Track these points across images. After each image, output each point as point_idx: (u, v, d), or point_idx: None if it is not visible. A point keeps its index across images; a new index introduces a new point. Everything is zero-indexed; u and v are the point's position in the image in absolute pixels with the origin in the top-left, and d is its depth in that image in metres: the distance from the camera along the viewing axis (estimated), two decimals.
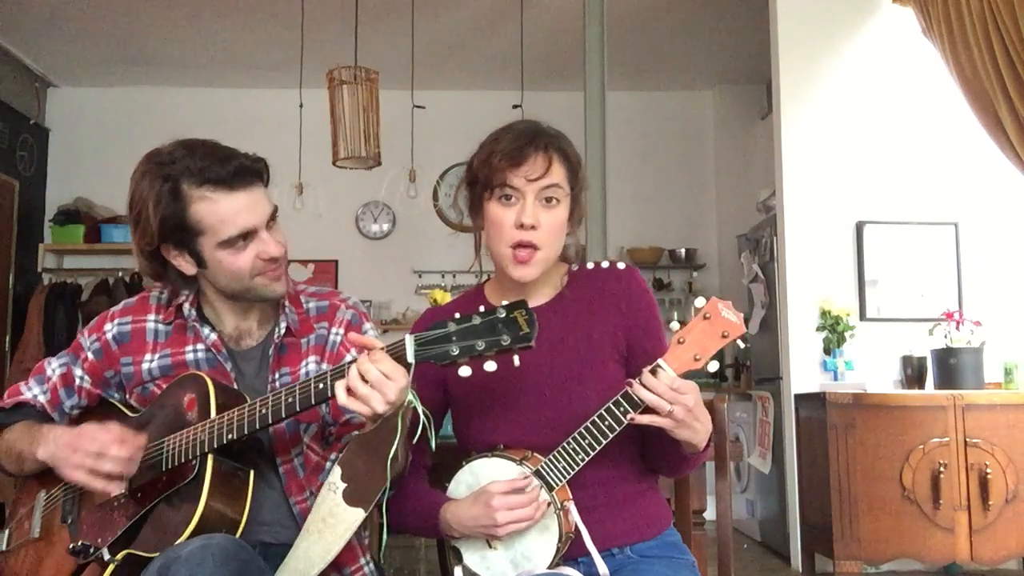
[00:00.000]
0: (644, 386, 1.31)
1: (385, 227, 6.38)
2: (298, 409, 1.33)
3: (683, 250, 6.28)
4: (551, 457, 1.38)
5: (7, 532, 1.59)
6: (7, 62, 5.73)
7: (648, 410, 1.33)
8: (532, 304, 1.49)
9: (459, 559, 1.45)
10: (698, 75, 6.29)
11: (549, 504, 1.37)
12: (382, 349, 1.27)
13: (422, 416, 1.30)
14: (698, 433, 1.36)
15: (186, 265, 1.49)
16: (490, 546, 1.42)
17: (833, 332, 4.22)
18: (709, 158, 6.50)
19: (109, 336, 1.56)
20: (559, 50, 5.50)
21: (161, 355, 1.53)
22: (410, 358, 1.24)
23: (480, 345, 1.20)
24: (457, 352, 1.21)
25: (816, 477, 3.92)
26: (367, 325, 1.60)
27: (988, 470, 3.67)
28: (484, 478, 1.41)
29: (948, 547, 3.68)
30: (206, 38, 5.54)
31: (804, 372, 4.25)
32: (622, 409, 1.34)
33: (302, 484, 1.50)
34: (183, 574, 1.18)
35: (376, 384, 1.24)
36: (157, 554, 1.27)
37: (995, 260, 4.38)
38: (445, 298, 3.45)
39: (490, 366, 1.21)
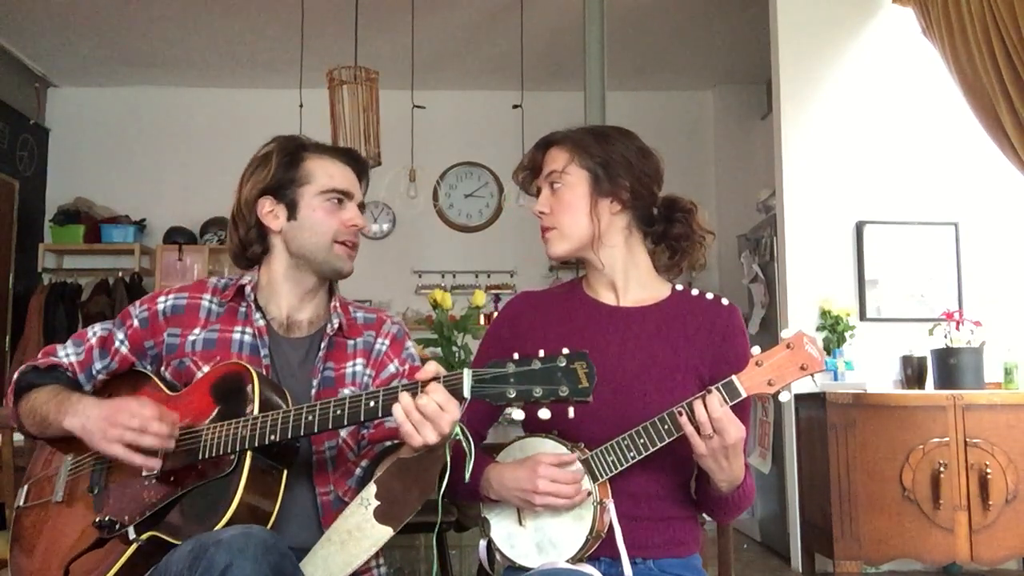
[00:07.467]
0: (704, 405, 1.34)
1: (385, 227, 6.38)
2: (345, 423, 1.34)
3: None
4: (602, 449, 1.41)
5: (25, 488, 1.60)
6: (7, 62, 5.73)
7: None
8: (626, 304, 1.57)
9: (487, 532, 1.47)
10: (698, 75, 6.29)
11: (589, 494, 1.39)
12: (438, 379, 1.26)
13: (469, 448, 1.29)
14: (722, 471, 1.39)
15: (275, 220, 1.60)
16: (520, 523, 1.44)
17: (833, 332, 4.21)
18: (709, 158, 6.50)
19: (160, 308, 1.59)
20: (559, 50, 5.50)
21: (209, 330, 1.57)
22: (466, 393, 1.23)
23: (537, 392, 1.19)
24: (514, 395, 1.20)
25: (816, 477, 3.92)
26: (409, 343, 1.67)
27: (988, 470, 3.67)
28: (532, 453, 1.44)
29: (948, 547, 3.68)
30: (206, 38, 5.54)
31: None
32: (684, 418, 1.36)
33: (327, 478, 1.52)
34: (223, 557, 1.18)
35: (432, 417, 1.24)
36: (180, 541, 1.29)
37: (995, 260, 4.38)
38: (445, 298, 3.43)
39: (544, 414, 1.20)
